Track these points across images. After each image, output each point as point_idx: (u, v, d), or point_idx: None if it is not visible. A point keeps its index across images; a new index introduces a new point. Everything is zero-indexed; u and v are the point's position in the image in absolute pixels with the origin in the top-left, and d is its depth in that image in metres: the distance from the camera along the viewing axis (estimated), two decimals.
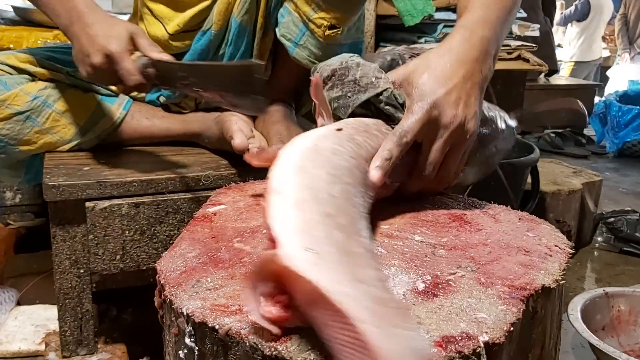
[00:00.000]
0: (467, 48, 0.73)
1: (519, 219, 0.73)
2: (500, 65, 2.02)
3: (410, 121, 0.70)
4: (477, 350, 0.45)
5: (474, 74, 0.72)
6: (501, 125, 0.84)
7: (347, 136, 0.66)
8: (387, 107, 0.73)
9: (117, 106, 1.15)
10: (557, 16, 5.64)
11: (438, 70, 0.71)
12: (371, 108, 0.74)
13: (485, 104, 0.84)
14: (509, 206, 0.77)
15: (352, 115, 0.75)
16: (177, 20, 1.15)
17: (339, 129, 0.67)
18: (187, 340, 0.50)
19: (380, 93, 0.73)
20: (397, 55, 0.82)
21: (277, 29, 1.17)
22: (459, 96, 0.70)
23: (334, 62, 0.78)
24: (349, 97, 0.74)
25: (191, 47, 1.17)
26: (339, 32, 1.13)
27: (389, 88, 0.73)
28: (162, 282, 0.56)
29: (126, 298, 1.37)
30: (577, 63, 5.86)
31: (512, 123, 0.86)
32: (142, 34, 0.95)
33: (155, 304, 0.57)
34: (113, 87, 1.09)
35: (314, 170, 0.56)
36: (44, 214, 1.72)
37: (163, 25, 1.16)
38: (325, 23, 1.11)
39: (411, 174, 0.74)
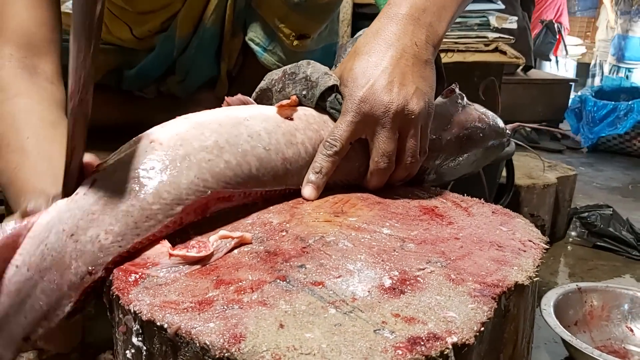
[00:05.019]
0: (392, 25, 0.70)
1: (492, 212, 0.70)
2: (477, 57, 1.99)
3: (338, 128, 0.68)
4: (445, 352, 0.42)
5: (406, 49, 0.69)
6: (486, 128, 0.82)
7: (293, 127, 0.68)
8: (332, 110, 0.71)
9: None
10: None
11: (365, 60, 0.69)
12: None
13: (477, 107, 0.82)
14: (482, 199, 0.75)
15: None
16: (146, 26, 1.09)
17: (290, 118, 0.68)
18: (134, 339, 0.46)
19: (330, 92, 0.70)
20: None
21: (246, 33, 1.12)
22: (390, 80, 0.67)
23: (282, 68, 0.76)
24: (304, 95, 0.71)
25: (155, 51, 1.11)
26: (309, 41, 1.09)
27: (336, 85, 0.70)
28: (110, 275, 0.52)
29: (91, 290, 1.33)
30: None
31: (501, 125, 0.84)
32: None
33: (104, 299, 0.53)
34: None
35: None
36: None
37: (130, 28, 1.11)
38: (294, 33, 1.07)
39: (369, 170, 0.72)
